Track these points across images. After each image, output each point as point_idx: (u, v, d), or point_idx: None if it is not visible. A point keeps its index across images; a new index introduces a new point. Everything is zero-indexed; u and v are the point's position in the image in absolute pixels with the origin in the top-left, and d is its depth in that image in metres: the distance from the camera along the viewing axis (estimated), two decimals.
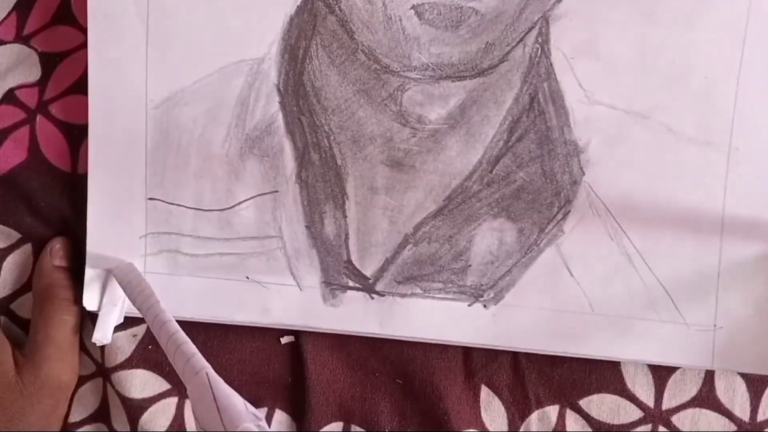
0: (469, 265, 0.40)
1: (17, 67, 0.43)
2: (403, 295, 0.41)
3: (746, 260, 0.39)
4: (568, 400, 0.42)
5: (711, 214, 0.39)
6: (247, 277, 0.41)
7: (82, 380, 0.44)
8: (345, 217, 0.41)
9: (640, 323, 0.39)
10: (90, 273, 0.42)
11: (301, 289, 0.41)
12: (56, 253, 0.42)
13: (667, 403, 0.41)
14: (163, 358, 0.43)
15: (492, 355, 0.42)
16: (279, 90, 0.40)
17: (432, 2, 0.38)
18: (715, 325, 0.40)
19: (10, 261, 0.43)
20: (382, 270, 0.41)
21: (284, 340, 0.43)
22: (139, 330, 0.43)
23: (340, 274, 0.41)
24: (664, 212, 0.39)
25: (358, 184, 0.40)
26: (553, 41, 0.39)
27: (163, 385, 0.43)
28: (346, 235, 0.41)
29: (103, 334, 0.40)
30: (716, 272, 0.39)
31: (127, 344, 0.43)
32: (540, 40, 0.39)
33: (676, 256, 0.39)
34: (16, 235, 0.43)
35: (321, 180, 0.41)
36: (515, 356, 0.42)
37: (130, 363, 0.43)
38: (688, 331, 0.40)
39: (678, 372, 0.41)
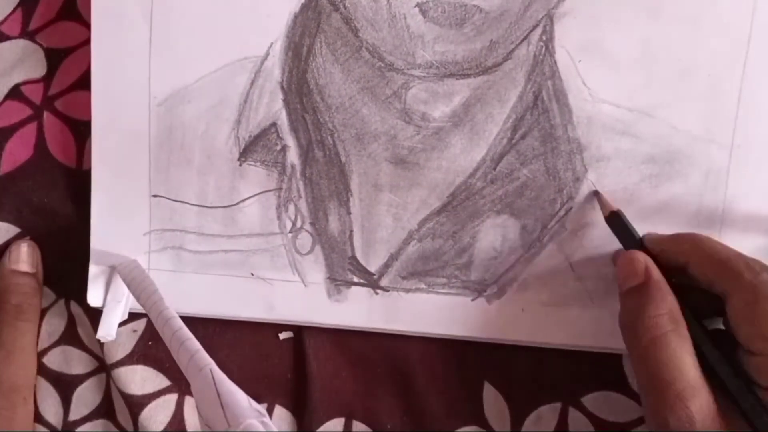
0: (473, 261, 0.41)
1: (23, 63, 0.43)
2: (408, 291, 0.41)
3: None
4: (571, 398, 0.42)
5: (711, 210, 0.39)
6: (252, 274, 0.42)
7: (83, 377, 0.44)
8: (349, 213, 0.41)
9: None
10: (94, 270, 0.42)
11: (305, 286, 0.41)
12: (14, 257, 0.42)
13: None
14: (163, 355, 0.43)
15: (495, 350, 0.42)
16: (282, 87, 0.40)
17: (436, 0, 0.38)
18: None
19: None
20: (387, 266, 0.41)
21: (283, 335, 0.43)
22: (139, 325, 0.43)
23: (344, 270, 0.41)
24: (666, 208, 0.40)
25: (362, 181, 0.41)
26: (558, 39, 0.39)
27: (163, 382, 0.43)
28: (351, 231, 0.41)
29: (107, 330, 0.40)
30: None
31: (127, 340, 0.43)
32: (544, 38, 0.39)
33: None
34: (15, 230, 0.43)
35: (325, 177, 0.41)
36: (518, 352, 0.42)
37: (130, 359, 0.43)
38: None
39: None
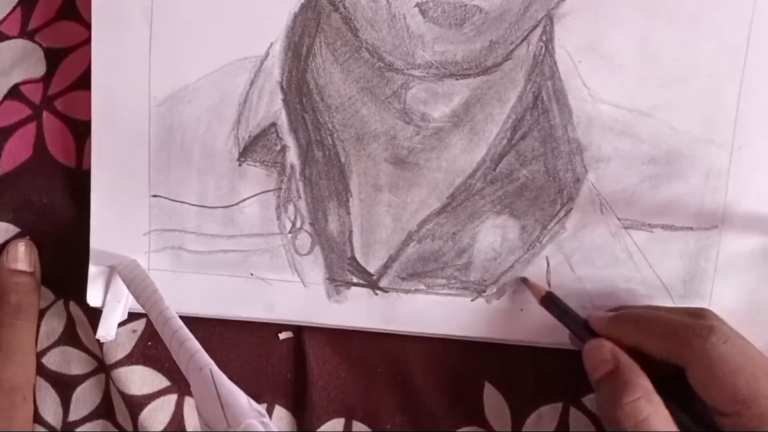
0: (472, 262, 0.41)
1: (22, 63, 0.43)
2: (407, 291, 0.41)
3: (742, 256, 0.40)
4: (571, 397, 0.42)
5: (712, 211, 0.39)
6: (251, 274, 0.42)
7: (82, 378, 0.44)
8: (349, 214, 0.41)
9: None
10: (94, 270, 0.42)
11: (305, 286, 0.41)
12: (11, 256, 0.42)
13: None
14: (162, 355, 0.43)
15: (495, 350, 0.42)
16: (282, 87, 0.40)
17: (436, 0, 0.38)
18: None
19: None
20: (386, 267, 0.41)
21: (282, 335, 0.43)
22: (139, 325, 0.43)
23: (344, 270, 0.41)
24: (666, 209, 0.40)
25: (362, 182, 0.41)
26: (557, 39, 0.39)
27: (163, 382, 0.43)
28: (350, 232, 0.41)
29: (106, 330, 0.40)
30: (713, 268, 0.40)
31: (126, 340, 0.43)
32: (544, 39, 0.39)
33: (676, 253, 0.40)
34: (14, 230, 0.43)
35: (324, 177, 0.41)
36: (518, 352, 0.42)
37: (130, 359, 0.43)
38: None
39: None
